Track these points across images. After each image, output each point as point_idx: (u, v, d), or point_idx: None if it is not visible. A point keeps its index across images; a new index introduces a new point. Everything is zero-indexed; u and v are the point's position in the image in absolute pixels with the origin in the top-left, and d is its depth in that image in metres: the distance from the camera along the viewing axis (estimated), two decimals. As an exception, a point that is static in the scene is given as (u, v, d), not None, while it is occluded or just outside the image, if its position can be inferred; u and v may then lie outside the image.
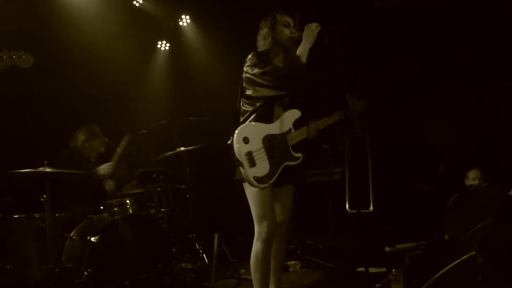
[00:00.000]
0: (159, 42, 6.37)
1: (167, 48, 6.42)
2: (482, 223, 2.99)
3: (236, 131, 2.67)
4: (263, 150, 2.68)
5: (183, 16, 6.20)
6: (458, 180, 4.64)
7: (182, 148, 4.47)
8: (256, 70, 2.78)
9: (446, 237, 3.91)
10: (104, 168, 4.27)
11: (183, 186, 4.81)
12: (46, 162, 3.58)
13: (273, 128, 2.77)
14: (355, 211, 5.31)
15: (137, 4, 5.81)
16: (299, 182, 2.96)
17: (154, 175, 4.55)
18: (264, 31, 2.91)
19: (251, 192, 2.77)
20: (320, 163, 5.28)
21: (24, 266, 3.51)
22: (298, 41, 2.86)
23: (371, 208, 5.30)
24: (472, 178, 4.40)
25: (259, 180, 2.62)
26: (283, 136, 2.79)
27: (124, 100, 5.91)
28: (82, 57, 5.14)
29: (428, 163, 5.83)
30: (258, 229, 2.76)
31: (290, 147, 2.79)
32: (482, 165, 4.43)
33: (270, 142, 2.72)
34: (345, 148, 5.53)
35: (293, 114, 2.85)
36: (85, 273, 3.46)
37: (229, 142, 2.73)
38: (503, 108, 5.43)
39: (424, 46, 5.57)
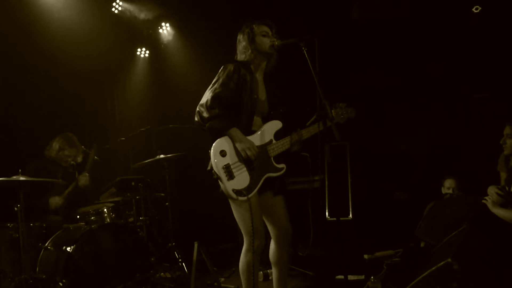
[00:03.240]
0: (139, 49, 6.32)
1: (146, 55, 6.38)
2: (457, 231, 3.05)
3: (213, 145, 2.65)
4: (241, 162, 2.66)
5: (163, 23, 6.19)
6: (433, 188, 4.75)
7: (162, 156, 4.44)
8: (214, 87, 2.76)
9: (422, 244, 3.97)
10: (82, 178, 4.17)
11: (162, 194, 4.78)
12: (20, 170, 3.50)
13: (253, 140, 2.75)
14: (334, 219, 5.34)
15: (116, 11, 5.76)
16: (282, 190, 2.94)
17: (133, 183, 4.51)
18: (242, 44, 2.90)
19: (237, 207, 2.74)
20: (299, 171, 5.31)
21: (-4, 277, 3.41)
22: (278, 48, 2.86)
23: (350, 216, 5.35)
24: (447, 187, 4.51)
25: (238, 192, 2.61)
26: (263, 147, 2.77)
27: (103, 107, 5.85)
28: (59, 64, 5.06)
29: (404, 172, 5.95)
30: (248, 241, 2.74)
31: (271, 158, 2.78)
32: (457, 175, 4.54)
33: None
34: (324, 156, 5.57)
35: (274, 125, 2.85)
36: (60, 284, 3.38)
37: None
38: (474, 119, 5.62)
39: (397, 58, 5.72)
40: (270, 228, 2.93)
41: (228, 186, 2.60)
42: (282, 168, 2.79)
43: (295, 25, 5.59)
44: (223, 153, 2.65)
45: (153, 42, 6.25)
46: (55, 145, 4.22)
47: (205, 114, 2.70)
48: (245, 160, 2.67)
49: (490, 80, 5.50)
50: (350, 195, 5.49)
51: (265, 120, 2.87)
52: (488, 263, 2.73)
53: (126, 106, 6.09)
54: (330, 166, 5.17)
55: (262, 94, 2.91)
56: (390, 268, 3.93)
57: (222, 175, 2.60)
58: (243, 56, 2.89)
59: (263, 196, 2.83)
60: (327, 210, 5.44)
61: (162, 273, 4.25)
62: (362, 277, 3.91)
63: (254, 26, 2.88)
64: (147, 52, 6.35)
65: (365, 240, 5.12)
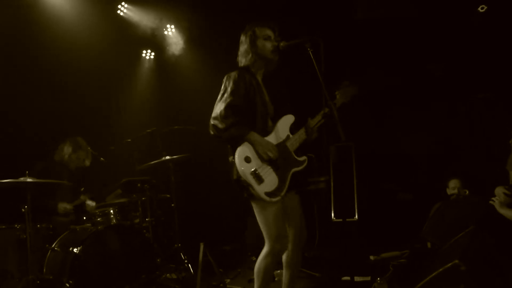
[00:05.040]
0: (144, 51, 6.36)
1: (151, 57, 6.41)
2: (464, 232, 3.03)
3: (236, 154, 2.63)
4: (265, 164, 2.65)
5: (167, 25, 6.21)
6: (438, 189, 4.74)
7: (167, 157, 4.45)
8: (224, 97, 2.74)
9: (429, 245, 3.96)
10: (89, 205, 4.27)
11: (168, 195, 4.78)
12: (27, 172, 3.52)
13: (271, 139, 2.74)
14: (340, 220, 5.33)
15: (121, 14, 5.79)
16: (304, 187, 2.97)
17: (138, 184, 4.52)
18: (244, 47, 2.88)
19: (262, 210, 2.71)
20: (305, 171, 5.30)
21: (4, 278, 3.44)
22: (282, 51, 2.84)
23: (356, 217, 5.34)
24: (452, 187, 4.49)
25: (271, 194, 2.59)
26: (283, 144, 2.76)
27: (108, 109, 5.87)
28: (65, 66, 5.09)
29: (408, 172, 5.93)
30: (271, 245, 2.72)
31: (293, 153, 2.77)
32: (461, 175, 4.52)
33: None
34: (330, 157, 5.57)
35: (287, 120, 2.83)
36: (67, 284, 3.39)
37: (230, 160, 2.70)
38: (477, 119, 5.59)
39: (400, 58, 5.70)
40: (287, 228, 2.90)
41: (260, 190, 2.57)
42: (304, 161, 2.78)
43: (299, 26, 5.61)
44: (247, 160, 2.62)
45: (158, 44, 6.28)
46: (67, 148, 4.26)
47: (221, 126, 2.67)
48: (269, 161, 2.65)
49: (493, 80, 5.47)
50: (355, 196, 5.47)
51: (273, 120, 2.85)
52: (495, 264, 2.71)
53: (132, 107, 6.11)
54: (335, 167, 5.16)
55: (265, 95, 2.91)
56: (396, 269, 3.92)
57: (252, 181, 2.57)
58: (244, 60, 2.88)
59: (288, 196, 2.79)
60: (332, 211, 5.43)
61: (167, 274, 4.26)
62: (368, 278, 3.90)
63: (256, 29, 2.86)
64: (152, 54, 6.39)
65: (371, 241, 5.10)
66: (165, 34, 6.26)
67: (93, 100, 5.44)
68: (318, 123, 2.84)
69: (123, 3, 5.75)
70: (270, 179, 2.62)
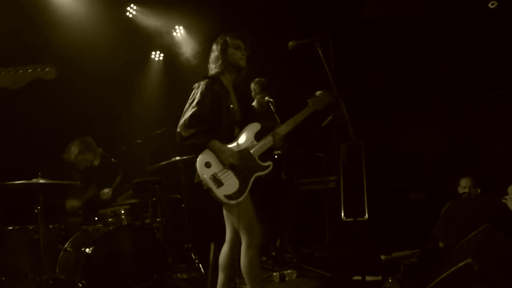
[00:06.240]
0: (153, 53, 6.40)
1: (160, 58, 6.45)
2: (476, 231, 3.00)
3: (197, 160, 2.80)
4: (227, 169, 2.79)
5: (176, 27, 6.24)
6: (448, 188, 4.70)
7: (177, 158, 4.47)
8: (191, 106, 2.91)
9: (441, 244, 3.93)
10: (106, 193, 4.35)
11: (178, 196, 4.80)
12: (39, 173, 3.56)
13: (236, 145, 2.90)
14: (350, 219, 5.31)
15: (131, 15, 5.83)
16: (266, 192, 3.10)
17: (149, 185, 4.54)
18: (214, 54, 3.03)
19: (230, 209, 2.84)
20: (315, 171, 5.29)
21: (18, 278, 3.48)
22: (293, 49, 2.95)
23: (366, 216, 5.31)
24: (463, 186, 4.46)
25: (229, 197, 2.74)
26: (246, 150, 2.90)
27: (118, 110, 5.91)
28: (74, 68, 5.13)
29: (419, 171, 5.89)
30: (249, 238, 2.82)
31: (257, 159, 2.91)
32: (473, 173, 4.48)
33: None
34: (339, 156, 5.55)
35: (252, 128, 2.98)
36: (80, 284, 3.43)
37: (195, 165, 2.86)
38: (488, 117, 5.54)
39: (410, 56, 5.67)
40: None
41: (218, 193, 2.73)
42: (269, 165, 2.92)
43: (308, 25, 5.60)
44: (208, 165, 2.78)
45: (167, 46, 6.31)
46: (74, 149, 4.29)
47: (184, 133, 2.84)
48: (230, 166, 2.80)
49: (504, 78, 5.41)
50: (365, 195, 5.45)
51: (240, 127, 2.99)
52: (508, 263, 2.68)
53: (141, 109, 6.15)
54: (345, 166, 5.15)
55: (234, 103, 3.04)
56: (408, 269, 3.89)
57: (211, 184, 2.73)
58: (214, 66, 3.03)
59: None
60: (342, 211, 5.41)
61: (178, 274, 4.27)
62: (379, 278, 3.88)
63: (228, 38, 3.01)
64: (161, 55, 6.42)
65: (381, 241, 5.07)
66: (174, 36, 6.29)
67: (103, 101, 5.48)
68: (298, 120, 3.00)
69: (132, 5, 5.79)
70: (230, 183, 2.77)
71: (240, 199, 2.75)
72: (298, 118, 3.00)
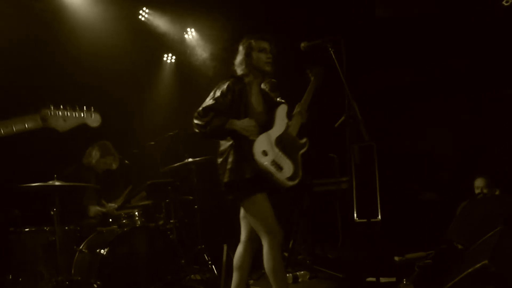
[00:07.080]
0: (165, 55, 6.44)
1: (173, 60, 6.49)
2: (492, 232, 2.96)
3: (254, 152, 2.80)
4: (280, 153, 2.87)
5: (188, 29, 6.27)
6: (462, 188, 4.64)
7: (190, 159, 4.49)
8: (207, 100, 2.95)
9: (460, 246, 3.87)
10: (112, 207, 4.39)
11: (191, 197, 4.83)
12: (55, 175, 3.61)
13: (276, 130, 2.95)
14: (363, 220, 5.28)
15: (143, 18, 5.88)
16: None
17: (162, 187, 4.57)
18: (239, 58, 3.03)
19: (254, 207, 2.85)
20: (327, 172, 5.28)
21: (34, 279, 3.54)
22: (305, 50, 2.97)
23: (379, 217, 5.27)
24: (478, 186, 4.40)
25: (291, 178, 2.85)
26: (285, 131, 2.97)
27: (131, 112, 5.96)
28: (87, 71, 5.20)
29: (432, 171, 5.83)
30: (271, 238, 2.81)
31: (295, 138, 3.00)
32: (487, 173, 4.42)
33: (280, 143, 2.90)
34: (352, 157, 5.52)
35: (282, 109, 3.02)
36: (95, 285, 3.47)
37: (219, 162, 3.01)
38: (503, 116, 5.45)
39: (421, 55, 5.61)
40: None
41: (281, 177, 2.82)
42: (305, 142, 3.03)
43: (319, 25, 5.58)
44: (265, 153, 2.83)
45: (179, 48, 6.35)
46: (95, 153, 4.36)
47: (200, 122, 2.89)
48: (282, 149, 2.87)
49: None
50: (378, 196, 5.41)
51: (264, 129, 2.95)
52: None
53: (154, 111, 6.20)
54: (357, 167, 5.11)
55: (258, 105, 3.01)
56: (422, 270, 3.86)
57: (273, 170, 2.80)
58: (239, 69, 3.03)
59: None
60: (355, 212, 5.38)
61: (192, 275, 4.30)
62: (394, 279, 3.85)
63: (252, 41, 2.99)
64: (173, 57, 6.46)
65: (395, 242, 5.03)
66: (186, 38, 6.33)
67: (116, 103, 5.52)
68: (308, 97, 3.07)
69: (144, 8, 5.84)
70: (287, 165, 2.88)
71: (298, 179, 2.86)
72: (310, 89, 3.08)
